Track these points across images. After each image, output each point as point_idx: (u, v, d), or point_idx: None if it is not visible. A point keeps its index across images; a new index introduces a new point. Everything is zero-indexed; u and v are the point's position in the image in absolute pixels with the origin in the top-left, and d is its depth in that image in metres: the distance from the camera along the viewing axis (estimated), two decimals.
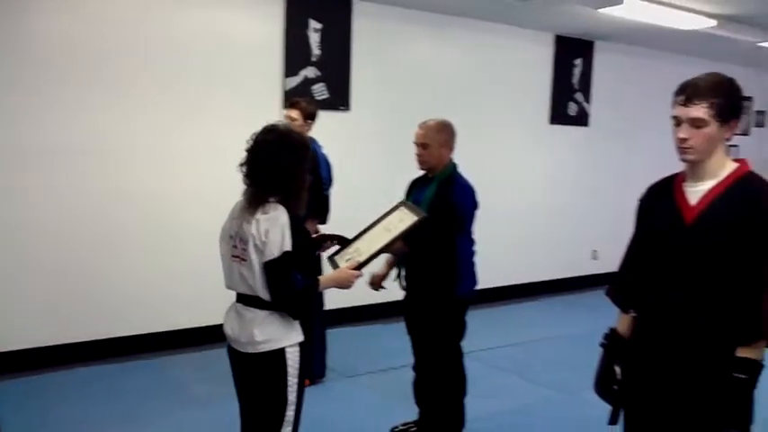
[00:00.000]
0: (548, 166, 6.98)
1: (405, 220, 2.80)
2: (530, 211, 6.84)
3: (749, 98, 8.91)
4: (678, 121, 1.98)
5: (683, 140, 1.96)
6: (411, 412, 3.60)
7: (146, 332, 4.77)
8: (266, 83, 5.10)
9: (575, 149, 7.19)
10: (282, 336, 2.33)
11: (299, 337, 2.37)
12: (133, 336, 4.73)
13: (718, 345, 1.93)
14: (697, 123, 1.93)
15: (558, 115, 6.97)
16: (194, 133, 4.84)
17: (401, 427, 3.63)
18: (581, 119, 7.18)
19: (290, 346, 2.34)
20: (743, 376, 1.88)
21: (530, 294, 6.89)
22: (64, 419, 3.70)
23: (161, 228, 4.78)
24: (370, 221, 2.95)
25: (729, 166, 2.01)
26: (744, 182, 1.97)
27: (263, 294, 2.29)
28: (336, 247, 2.86)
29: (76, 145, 4.42)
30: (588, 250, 7.36)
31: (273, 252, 2.24)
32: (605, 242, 7.04)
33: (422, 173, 3.42)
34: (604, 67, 7.24)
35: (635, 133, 7.53)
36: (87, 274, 4.54)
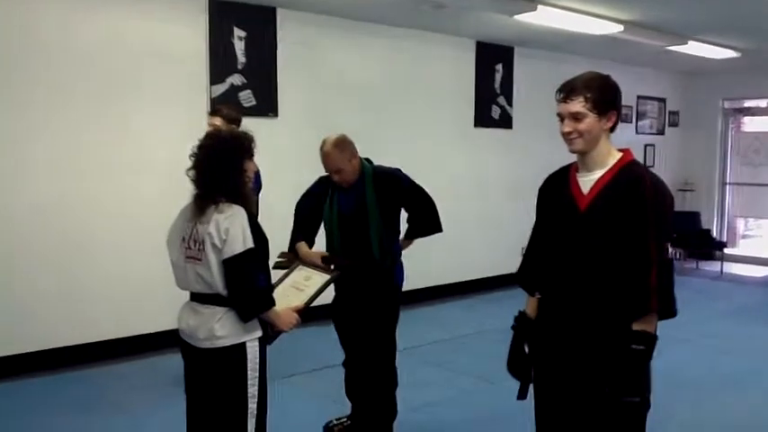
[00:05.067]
0: (475, 168, 7.20)
1: (314, 277, 2.94)
2: (458, 212, 6.99)
3: (663, 99, 9.40)
4: (561, 117, 2.20)
5: (568, 134, 2.19)
6: (345, 408, 3.68)
7: (73, 344, 4.69)
8: (192, 91, 5.12)
9: (500, 151, 7.44)
10: (243, 331, 2.40)
11: (259, 332, 2.45)
12: (62, 348, 4.65)
13: (613, 321, 2.09)
14: (576, 116, 2.16)
15: (483, 118, 7.21)
16: (122, 143, 4.82)
17: (335, 422, 3.69)
18: (504, 122, 7.44)
19: (251, 340, 2.41)
20: (641, 347, 2.06)
21: (460, 293, 7.07)
22: None
23: (92, 238, 4.73)
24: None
25: (615, 156, 2.21)
26: (627, 170, 2.17)
27: (224, 291, 2.36)
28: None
29: None
30: (516, 248, 7.56)
31: (235, 248, 2.30)
32: None
33: None
34: (524, 71, 7.53)
35: (555, 134, 7.77)
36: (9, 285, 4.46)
